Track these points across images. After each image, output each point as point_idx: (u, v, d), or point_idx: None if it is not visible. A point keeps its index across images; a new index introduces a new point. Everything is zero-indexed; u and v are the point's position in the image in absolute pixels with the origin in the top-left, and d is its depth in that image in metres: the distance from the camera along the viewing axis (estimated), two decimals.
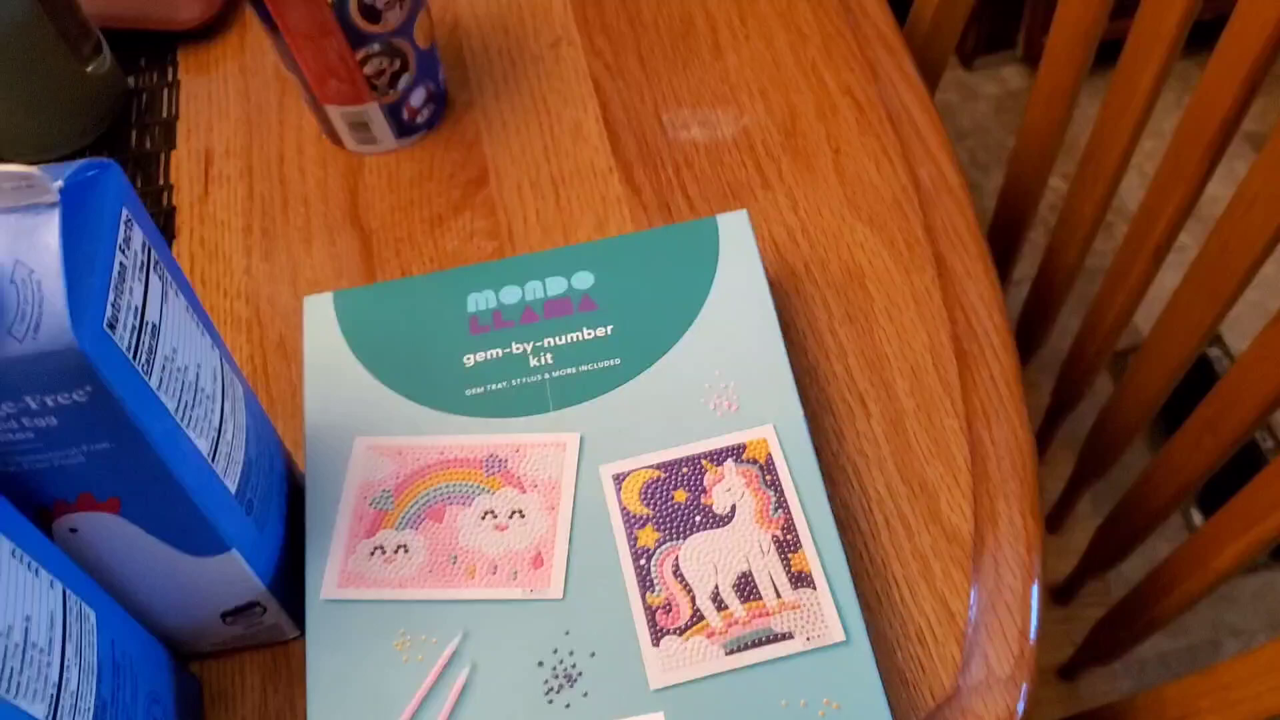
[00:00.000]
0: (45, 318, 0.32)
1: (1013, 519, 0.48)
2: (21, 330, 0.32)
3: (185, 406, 0.38)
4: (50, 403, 0.34)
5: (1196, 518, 1.29)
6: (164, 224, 0.61)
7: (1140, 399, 0.68)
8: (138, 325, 0.36)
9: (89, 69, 0.63)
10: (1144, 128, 0.62)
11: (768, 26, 0.65)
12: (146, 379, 0.36)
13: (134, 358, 0.35)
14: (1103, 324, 0.70)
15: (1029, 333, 0.81)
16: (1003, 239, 0.78)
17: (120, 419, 0.35)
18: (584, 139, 0.62)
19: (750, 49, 0.65)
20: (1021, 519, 0.48)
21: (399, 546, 0.44)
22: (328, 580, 0.44)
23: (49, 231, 0.32)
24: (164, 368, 0.37)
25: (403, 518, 0.45)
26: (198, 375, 0.40)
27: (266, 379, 0.55)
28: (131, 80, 0.68)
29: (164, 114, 0.66)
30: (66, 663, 0.36)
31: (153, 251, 0.38)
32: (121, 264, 0.35)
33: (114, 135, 0.65)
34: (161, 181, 0.63)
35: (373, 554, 0.44)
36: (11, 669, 0.33)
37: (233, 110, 0.65)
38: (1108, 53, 0.67)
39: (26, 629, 0.34)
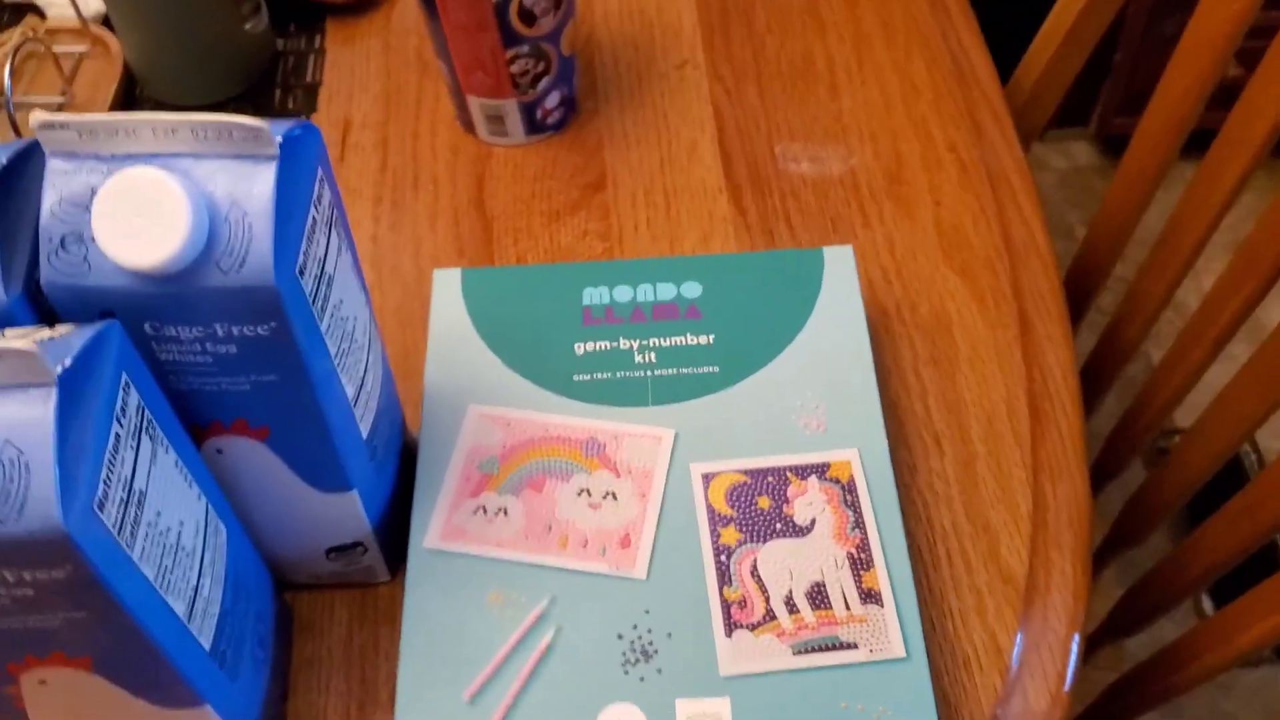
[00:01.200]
0: (251, 256, 0.36)
1: (1065, 569, 0.51)
2: (228, 264, 0.36)
3: (343, 353, 0.42)
4: (235, 332, 0.38)
5: (1206, 604, 1.31)
6: None
7: (1180, 481, 0.71)
8: (319, 274, 0.39)
9: (246, 26, 0.67)
10: (1222, 221, 0.65)
11: (883, 75, 0.69)
12: (319, 323, 0.40)
13: (313, 303, 0.39)
14: (1152, 404, 0.73)
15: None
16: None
17: (292, 355, 0.39)
18: (698, 158, 0.66)
19: (865, 94, 0.68)
20: (1073, 570, 0.51)
21: (500, 509, 0.48)
22: (432, 531, 0.48)
23: (265, 180, 0.36)
24: (332, 315, 0.41)
25: (506, 483, 0.49)
26: (354, 326, 0.43)
27: (383, 341, 0.58)
28: (280, 43, 0.72)
29: (307, 78, 0.70)
30: (203, 569, 0.40)
31: (335, 209, 0.41)
32: (314, 217, 0.39)
33: (259, 92, 0.69)
34: None
35: (475, 513, 0.48)
36: (166, 566, 0.37)
37: (373, 84, 0.69)
38: (1198, 141, 0.70)
39: (179, 533, 0.38)
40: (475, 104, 0.64)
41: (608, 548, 0.47)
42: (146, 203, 0.35)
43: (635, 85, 0.69)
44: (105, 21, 0.71)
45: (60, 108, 0.67)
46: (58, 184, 0.36)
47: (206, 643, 0.40)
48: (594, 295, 0.54)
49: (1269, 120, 0.58)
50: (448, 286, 0.54)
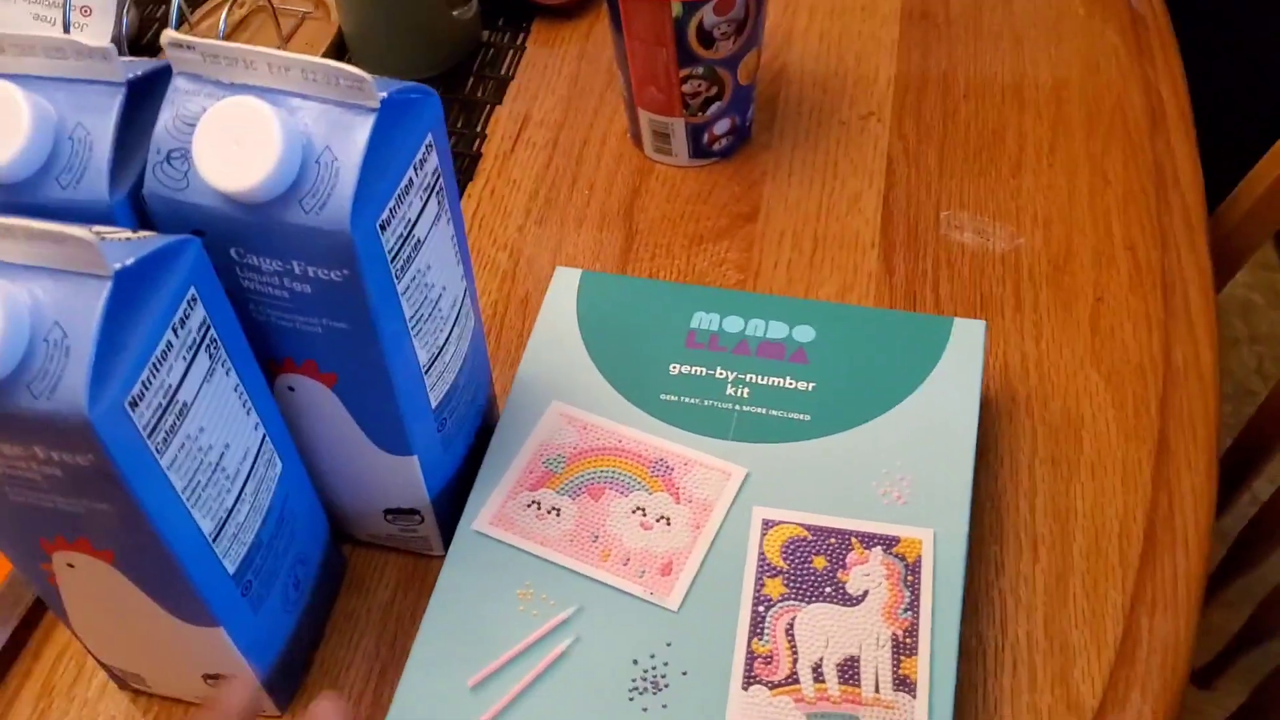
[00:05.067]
0: (333, 200, 0.37)
1: (1142, 713, 0.46)
2: (310, 204, 0.37)
3: (420, 319, 0.43)
4: (311, 273, 0.39)
5: None
6: (467, 165, 0.67)
7: None
8: (405, 234, 0.40)
9: (455, 13, 0.70)
10: None
11: (1075, 162, 0.65)
12: (395, 281, 0.40)
13: (391, 260, 0.40)
14: None
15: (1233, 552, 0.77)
16: (1245, 455, 0.74)
17: (362, 306, 0.39)
18: (859, 210, 0.64)
19: (1049, 177, 0.64)
20: (1153, 717, 0.46)
21: (553, 508, 0.47)
22: (482, 515, 0.47)
23: (361, 131, 0.37)
24: (414, 279, 0.41)
25: (566, 484, 0.48)
26: (440, 296, 0.44)
27: (500, 327, 0.59)
28: (485, 35, 0.74)
29: (502, 71, 0.72)
30: (243, 496, 0.41)
31: (440, 178, 0.42)
32: (410, 179, 0.40)
33: (455, 76, 0.72)
34: (479, 129, 0.69)
35: (529, 506, 0.47)
36: (199, 482, 0.38)
37: (560, 87, 0.71)
38: None
39: (223, 454, 0.39)
40: (645, 119, 0.64)
41: (647, 571, 0.45)
42: (246, 130, 0.36)
43: (814, 127, 0.68)
44: None
45: None
46: (176, 102, 0.38)
47: (231, 567, 0.41)
48: (703, 320, 0.53)
49: None
50: (565, 285, 0.55)
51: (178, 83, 0.38)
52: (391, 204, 0.39)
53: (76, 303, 0.33)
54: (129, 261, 0.34)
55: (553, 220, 0.64)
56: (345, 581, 0.51)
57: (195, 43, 0.37)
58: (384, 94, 0.37)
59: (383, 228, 0.39)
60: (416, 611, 0.50)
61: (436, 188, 0.42)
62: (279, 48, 0.70)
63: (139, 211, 0.39)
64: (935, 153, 0.66)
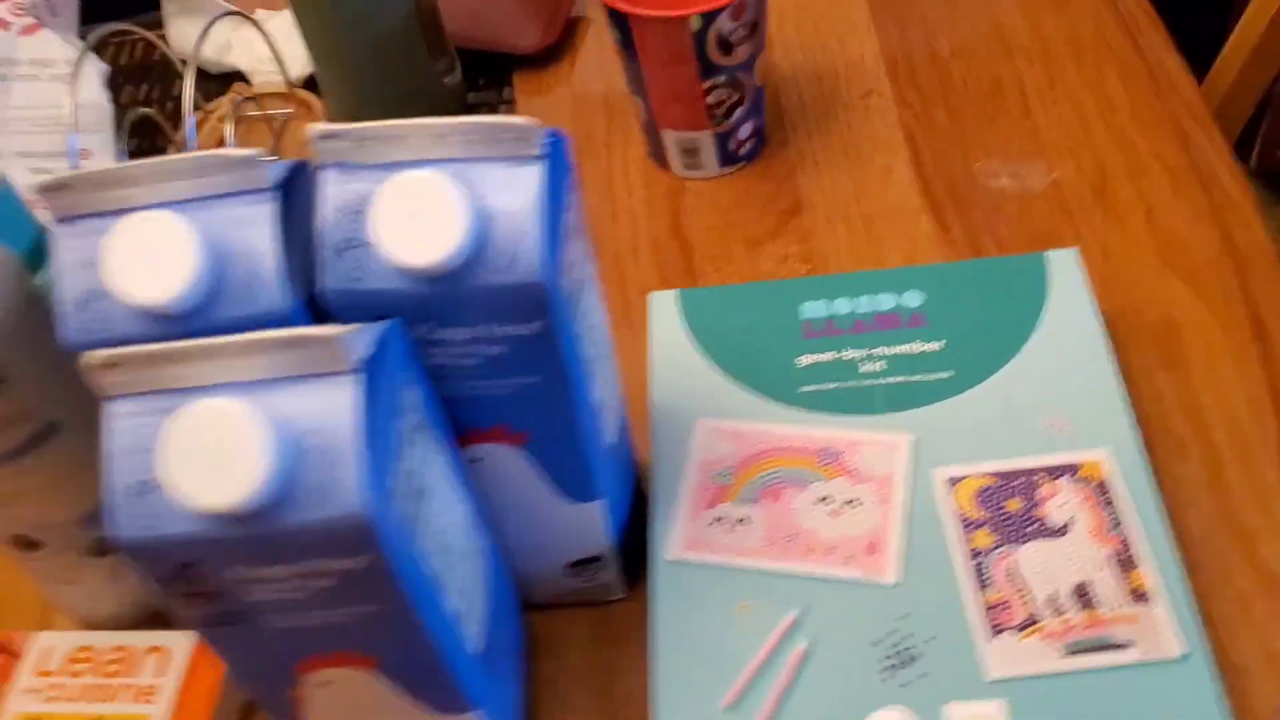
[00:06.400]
0: (521, 253, 0.37)
1: None
2: (499, 262, 0.37)
3: (593, 359, 0.42)
4: (502, 333, 0.38)
5: None
6: None
7: None
8: (574, 275, 0.40)
9: (445, 80, 0.70)
10: None
11: (1076, 93, 0.68)
12: (575, 323, 0.40)
13: (571, 304, 0.39)
14: None
15: None
16: None
17: (555, 356, 0.39)
18: (894, 182, 0.65)
19: (1059, 111, 0.67)
20: None
21: (739, 519, 0.47)
22: (672, 542, 0.47)
23: (532, 179, 0.37)
24: (584, 317, 0.41)
25: (742, 494, 0.48)
26: (598, 333, 0.44)
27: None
28: (470, 96, 0.74)
29: None
30: (471, 574, 0.40)
31: (580, 217, 0.42)
32: (567, 222, 0.40)
33: None
34: None
35: (714, 523, 0.47)
36: (443, 565, 0.37)
37: (563, 128, 0.71)
38: None
39: (449, 533, 0.39)
40: (670, 138, 0.65)
41: (854, 555, 0.46)
42: (423, 204, 0.36)
43: (821, 116, 0.69)
44: (306, 84, 0.74)
45: None
46: (331, 193, 0.37)
47: (474, 647, 0.40)
48: (812, 309, 0.54)
49: None
50: (665, 307, 0.55)
51: (326, 174, 0.38)
52: (565, 247, 0.39)
53: (328, 405, 0.32)
54: (366, 351, 0.33)
55: (607, 254, 0.64)
56: (535, 647, 0.50)
57: (345, 130, 0.37)
58: (544, 138, 0.37)
59: (563, 272, 0.38)
60: (616, 657, 0.49)
61: (579, 228, 0.42)
62: (272, 149, 0.69)
63: (313, 313, 0.38)
64: (944, 113, 0.68)
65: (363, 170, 0.37)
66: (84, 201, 0.37)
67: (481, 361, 0.39)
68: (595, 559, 0.48)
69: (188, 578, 0.33)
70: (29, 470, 0.43)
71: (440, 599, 0.37)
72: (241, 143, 0.72)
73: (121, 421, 0.32)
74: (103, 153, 0.63)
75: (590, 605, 0.51)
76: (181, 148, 0.71)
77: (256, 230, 0.37)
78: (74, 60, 0.63)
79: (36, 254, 0.43)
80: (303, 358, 0.32)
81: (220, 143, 0.72)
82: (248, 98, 0.73)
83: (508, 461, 0.43)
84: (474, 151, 0.37)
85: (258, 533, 0.32)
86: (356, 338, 0.33)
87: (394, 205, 0.36)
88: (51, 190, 0.36)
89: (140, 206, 0.37)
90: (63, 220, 0.37)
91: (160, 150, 0.72)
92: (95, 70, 0.63)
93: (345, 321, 0.38)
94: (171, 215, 0.36)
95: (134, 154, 0.72)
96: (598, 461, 0.44)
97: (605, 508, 0.46)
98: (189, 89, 0.58)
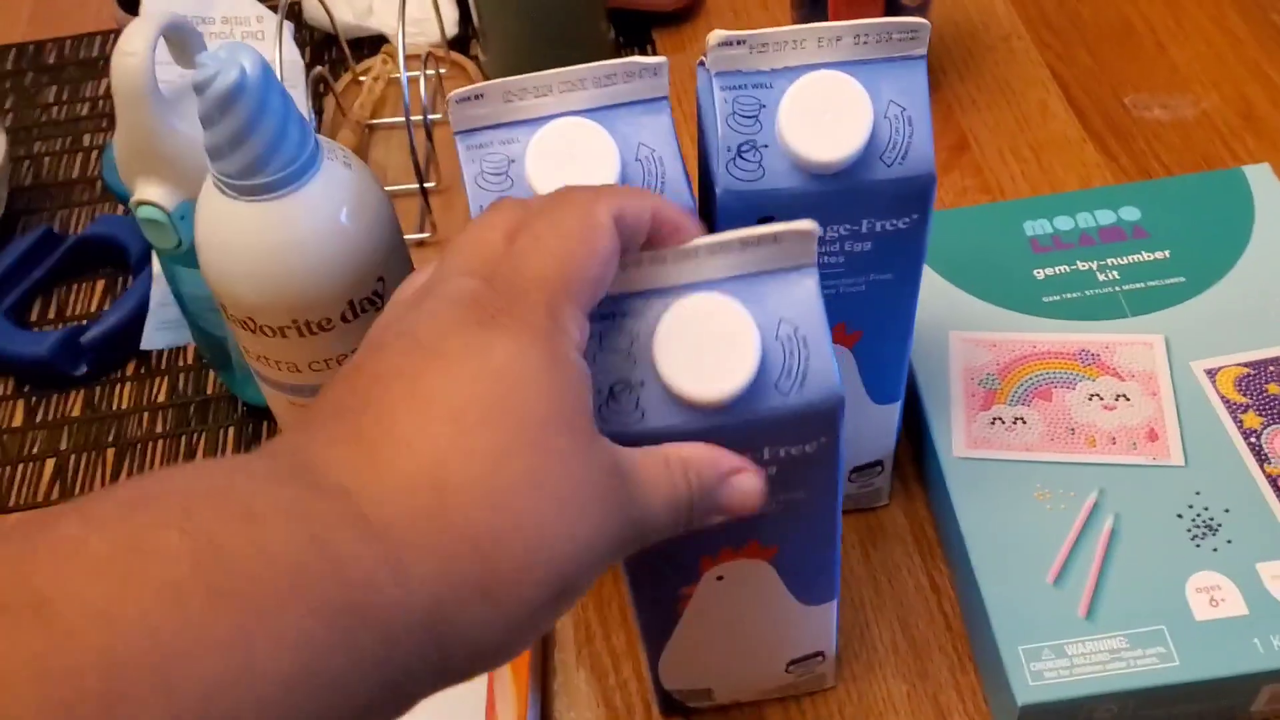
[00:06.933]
0: (913, 148, 0.39)
1: None
2: (891, 158, 0.39)
3: None
4: (880, 228, 0.40)
5: None
6: None
7: None
8: None
9: (610, 38, 0.72)
10: None
11: (1204, 29, 0.72)
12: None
13: None
14: None
15: None
16: None
17: (918, 248, 0.41)
18: (1051, 115, 0.69)
19: (1192, 47, 0.72)
20: None
21: (1016, 419, 0.50)
22: (956, 441, 0.50)
23: (919, 77, 0.39)
24: None
25: (1012, 396, 0.51)
26: None
27: None
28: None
29: None
30: None
31: None
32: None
33: None
34: None
35: (993, 423, 0.50)
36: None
37: None
38: None
39: None
40: None
41: (1137, 442, 0.49)
42: (831, 102, 0.38)
43: (967, 58, 0.73)
44: (451, 46, 0.75)
45: (433, 124, 0.71)
46: (728, 99, 0.39)
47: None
48: (1034, 227, 0.57)
49: None
50: None
51: (721, 80, 0.39)
52: None
53: (794, 297, 0.34)
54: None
55: None
56: None
57: (744, 35, 0.39)
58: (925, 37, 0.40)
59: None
60: (892, 556, 0.52)
61: None
62: (425, 116, 0.70)
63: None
64: (1084, 51, 0.72)
65: (755, 77, 0.39)
66: (494, 113, 0.38)
67: (846, 259, 0.42)
68: (876, 464, 0.51)
69: None
70: None
71: (841, 487, 0.39)
72: (395, 103, 0.73)
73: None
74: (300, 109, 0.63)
75: (856, 512, 0.53)
76: (348, 108, 0.71)
77: (660, 136, 0.39)
78: (262, 17, 0.63)
79: None
80: (775, 253, 0.34)
81: (380, 103, 0.73)
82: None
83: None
84: (863, 54, 0.39)
85: (735, 422, 0.33)
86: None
87: (804, 105, 0.38)
88: (463, 102, 0.38)
89: (548, 116, 0.38)
90: (468, 132, 0.38)
91: (321, 109, 0.73)
92: (287, 28, 0.63)
93: (734, 223, 0.40)
94: (589, 122, 0.37)
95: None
96: (905, 362, 0.47)
97: (899, 410, 0.49)
98: (400, 44, 0.59)
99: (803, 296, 0.34)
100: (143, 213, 0.50)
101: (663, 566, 0.39)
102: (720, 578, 0.40)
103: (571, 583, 0.28)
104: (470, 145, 0.39)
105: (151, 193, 0.50)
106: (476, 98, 0.38)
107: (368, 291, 0.42)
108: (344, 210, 0.41)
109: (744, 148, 0.39)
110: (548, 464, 0.28)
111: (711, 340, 0.32)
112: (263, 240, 0.40)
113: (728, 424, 0.33)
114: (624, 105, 0.39)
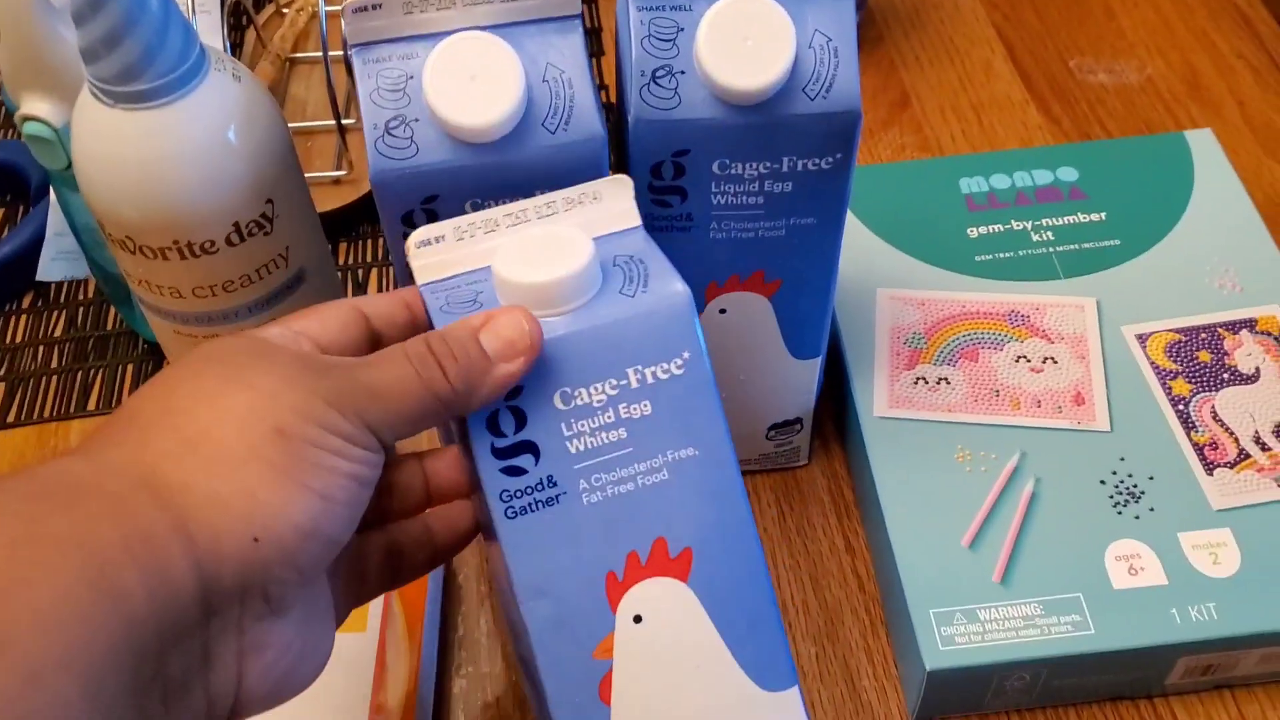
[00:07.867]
0: (838, 82, 0.37)
1: None
2: (814, 90, 0.37)
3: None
4: (801, 166, 0.38)
5: None
6: None
7: None
8: None
9: None
10: None
11: None
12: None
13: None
14: None
15: None
16: None
17: (840, 192, 0.40)
18: (995, 75, 0.67)
19: (1141, 14, 0.70)
20: None
21: (940, 379, 0.49)
22: (878, 401, 0.48)
23: (848, 10, 0.37)
24: None
25: (938, 355, 0.49)
26: None
27: None
28: None
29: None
30: None
31: None
32: None
33: None
34: None
35: (916, 383, 0.49)
36: None
37: None
38: None
39: None
40: None
41: (1063, 406, 0.47)
42: (753, 29, 0.36)
43: (912, 14, 0.71)
44: None
45: None
46: (644, 20, 0.37)
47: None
48: (971, 185, 0.55)
49: None
50: None
51: (637, 0, 0.37)
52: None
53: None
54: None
55: None
56: None
57: None
58: None
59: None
60: (809, 517, 0.50)
61: None
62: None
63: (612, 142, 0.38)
64: (1032, 13, 0.71)
65: None
66: (392, 25, 0.36)
67: (766, 200, 0.39)
68: (795, 421, 0.49)
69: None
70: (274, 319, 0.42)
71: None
72: (318, 37, 0.70)
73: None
74: (212, 34, 0.60)
75: (772, 472, 0.52)
76: (268, 40, 0.68)
77: (568, 58, 0.36)
78: None
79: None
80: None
81: (303, 35, 0.70)
82: None
83: (753, 312, 0.43)
84: None
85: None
86: None
87: (725, 30, 0.36)
88: (360, 12, 0.35)
89: (449, 31, 0.36)
90: (364, 45, 0.36)
91: (240, 41, 0.69)
92: None
93: (648, 153, 0.38)
94: (497, 39, 0.35)
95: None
96: (821, 317, 0.45)
97: (820, 367, 0.47)
98: None
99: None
100: (29, 129, 0.47)
101: None
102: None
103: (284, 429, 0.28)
104: (367, 59, 0.36)
105: (38, 108, 0.47)
106: (374, 7, 0.35)
107: (255, 214, 0.39)
108: (231, 125, 0.38)
109: (659, 73, 0.37)
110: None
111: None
112: (140, 152, 0.37)
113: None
114: (534, 22, 0.36)
